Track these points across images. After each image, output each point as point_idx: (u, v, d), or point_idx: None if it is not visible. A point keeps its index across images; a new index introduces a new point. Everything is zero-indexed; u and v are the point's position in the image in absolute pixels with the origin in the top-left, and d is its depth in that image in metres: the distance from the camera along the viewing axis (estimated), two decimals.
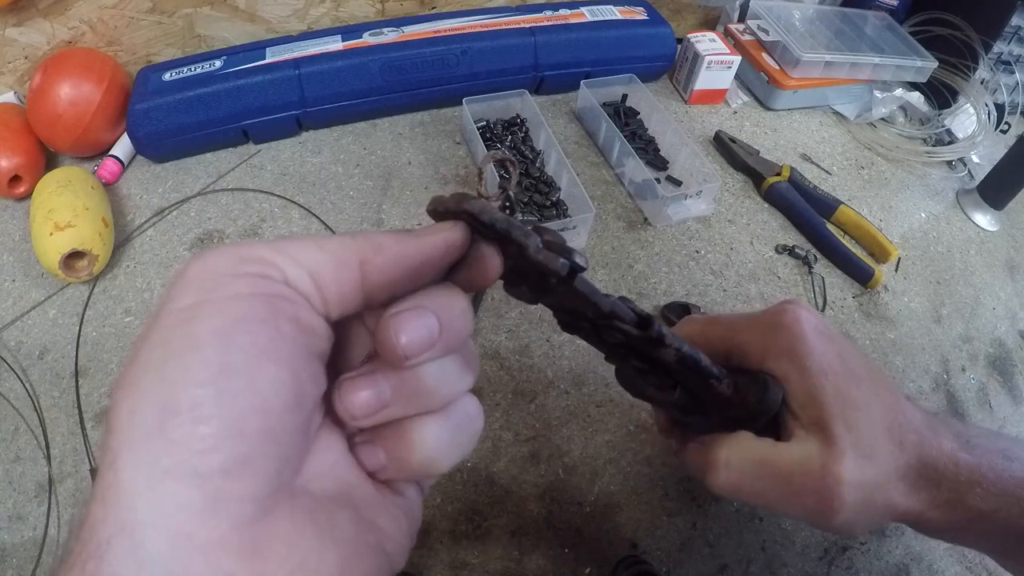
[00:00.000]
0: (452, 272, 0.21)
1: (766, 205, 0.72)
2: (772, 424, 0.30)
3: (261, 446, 0.16)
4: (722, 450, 0.29)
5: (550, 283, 0.22)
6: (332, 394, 0.19)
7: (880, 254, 0.69)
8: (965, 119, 0.84)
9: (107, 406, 0.15)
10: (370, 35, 0.69)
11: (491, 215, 0.19)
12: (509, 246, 0.20)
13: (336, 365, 0.20)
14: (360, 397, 0.18)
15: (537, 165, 0.68)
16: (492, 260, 0.20)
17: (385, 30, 0.70)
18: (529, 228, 0.21)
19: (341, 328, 0.20)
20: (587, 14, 0.77)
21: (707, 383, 0.28)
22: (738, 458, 0.28)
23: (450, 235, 0.19)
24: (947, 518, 0.28)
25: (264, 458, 0.16)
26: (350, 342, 0.21)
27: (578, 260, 0.22)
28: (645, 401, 0.33)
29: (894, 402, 0.29)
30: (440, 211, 0.21)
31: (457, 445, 0.20)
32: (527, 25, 0.73)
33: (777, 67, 0.81)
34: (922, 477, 0.28)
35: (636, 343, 0.26)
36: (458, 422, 0.20)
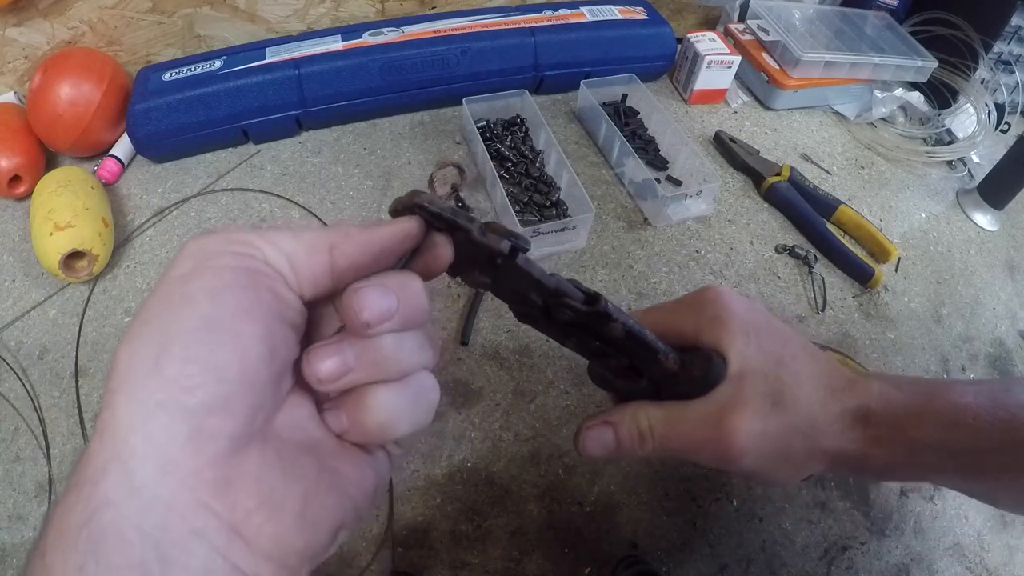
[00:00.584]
0: (410, 262, 0.23)
1: (766, 205, 0.72)
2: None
3: (238, 390, 0.18)
4: (642, 421, 0.31)
5: (496, 263, 0.24)
6: (302, 367, 0.21)
7: (880, 254, 0.69)
8: (965, 119, 0.84)
9: (111, 359, 0.18)
10: (370, 35, 0.69)
11: (438, 205, 0.23)
12: (456, 232, 0.23)
13: (311, 342, 0.22)
14: (326, 363, 0.20)
15: (537, 165, 0.68)
16: (443, 248, 0.23)
17: (385, 30, 0.70)
18: (473, 216, 0.23)
19: (315, 311, 0.23)
20: (587, 14, 0.77)
21: (655, 359, 0.29)
22: (657, 426, 0.30)
23: (407, 226, 0.23)
24: (889, 453, 0.30)
25: (240, 401, 0.18)
26: (322, 323, 0.23)
27: (520, 242, 0.24)
28: (615, 394, 0.34)
29: (824, 358, 0.32)
30: (398, 208, 0.24)
31: (412, 413, 0.22)
32: (527, 25, 0.73)
33: (777, 67, 0.81)
34: (856, 418, 0.30)
35: (585, 320, 0.27)
36: (414, 393, 0.22)
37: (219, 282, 0.19)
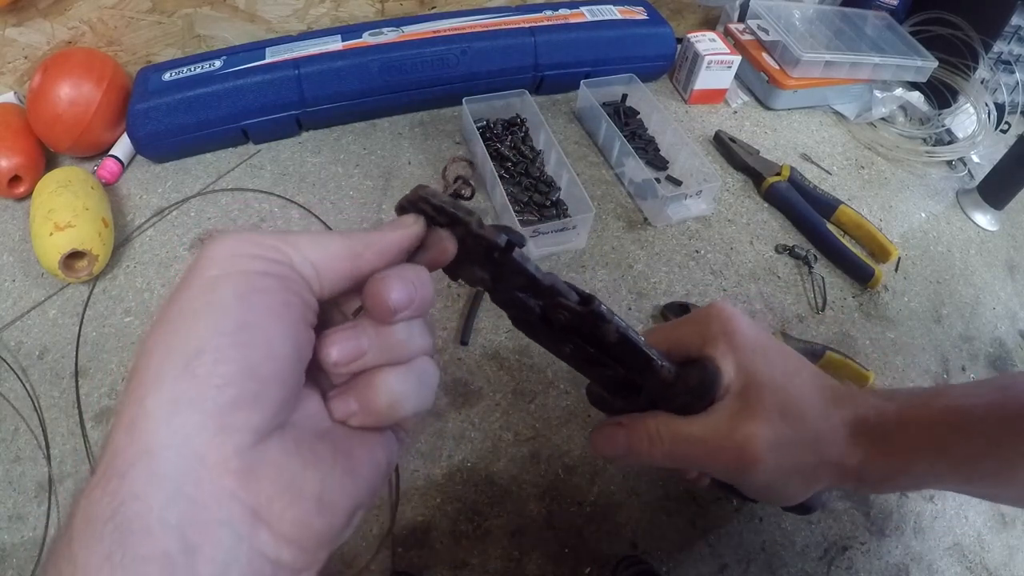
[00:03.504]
0: (415, 255, 0.25)
1: (766, 205, 0.72)
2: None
3: (269, 387, 0.19)
4: (651, 425, 0.31)
5: (494, 258, 0.25)
6: (317, 351, 0.22)
7: (880, 254, 0.69)
8: (965, 119, 0.84)
9: (135, 361, 0.19)
10: (370, 35, 0.69)
11: (439, 199, 0.24)
12: (457, 227, 0.24)
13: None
14: (341, 346, 0.22)
15: (537, 165, 0.68)
16: (448, 242, 0.25)
17: (385, 30, 0.70)
18: (472, 211, 0.24)
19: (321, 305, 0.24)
20: (587, 14, 0.77)
21: (649, 366, 0.29)
22: (665, 430, 0.31)
23: (414, 230, 0.24)
24: (884, 463, 0.31)
25: (269, 397, 0.19)
26: (326, 315, 0.25)
27: (514, 238, 0.25)
28: (611, 414, 0.34)
29: (822, 374, 0.33)
30: (404, 205, 0.25)
31: (418, 394, 0.23)
32: (527, 25, 0.73)
33: (777, 67, 0.81)
34: (857, 431, 0.31)
35: (579, 324, 0.27)
36: (418, 374, 0.23)
37: (248, 287, 0.19)
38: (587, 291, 0.28)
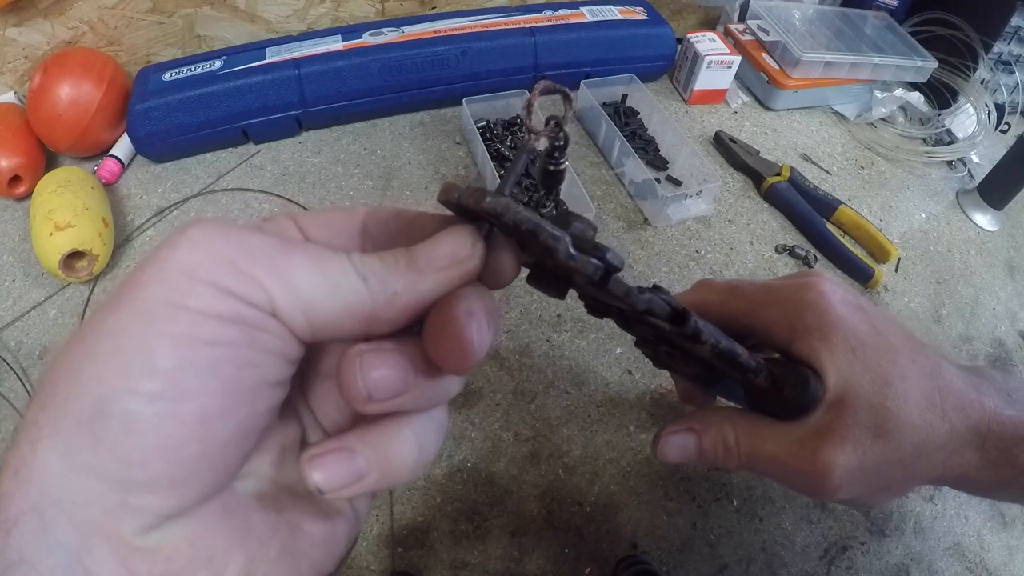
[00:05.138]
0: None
1: (766, 205, 0.72)
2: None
3: (192, 473, 0.15)
4: (729, 435, 0.29)
5: (580, 284, 0.21)
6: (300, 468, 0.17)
7: (880, 254, 0.69)
8: (965, 119, 0.84)
9: (41, 379, 0.16)
10: (370, 35, 0.69)
11: (515, 215, 0.17)
12: (535, 247, 0.18)
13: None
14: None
15: (537, 165, 0.68)
16: (508, 269, 0.19)
17: (385, 30, 0.70)
18: (557, 229, 0.18)
19: None
20: (587, 14, 0.77)
21: (744, 377, 0.27)
22: (744, 442, 0.29)
23: (465, 270, 0.18)
24: (994, 477, 0.28)
25: (191, 484, 0.15)
26: None
27: (612, 260, 0.19)
28: (658, 365, 0.32)
29: (933, 367, 0.28)
30: (452, 202, 0.18)
31: (436, 445, 0.19)
32: (527, 25, 0.73)
33: (777, 67, 0.81)
34: (966, 442, 0.28)
35: (669, 337, 0.25)
36: (437, 421, 0.19)
37: (198, 333, 0.15)
38: (680, 304, 0.24)
